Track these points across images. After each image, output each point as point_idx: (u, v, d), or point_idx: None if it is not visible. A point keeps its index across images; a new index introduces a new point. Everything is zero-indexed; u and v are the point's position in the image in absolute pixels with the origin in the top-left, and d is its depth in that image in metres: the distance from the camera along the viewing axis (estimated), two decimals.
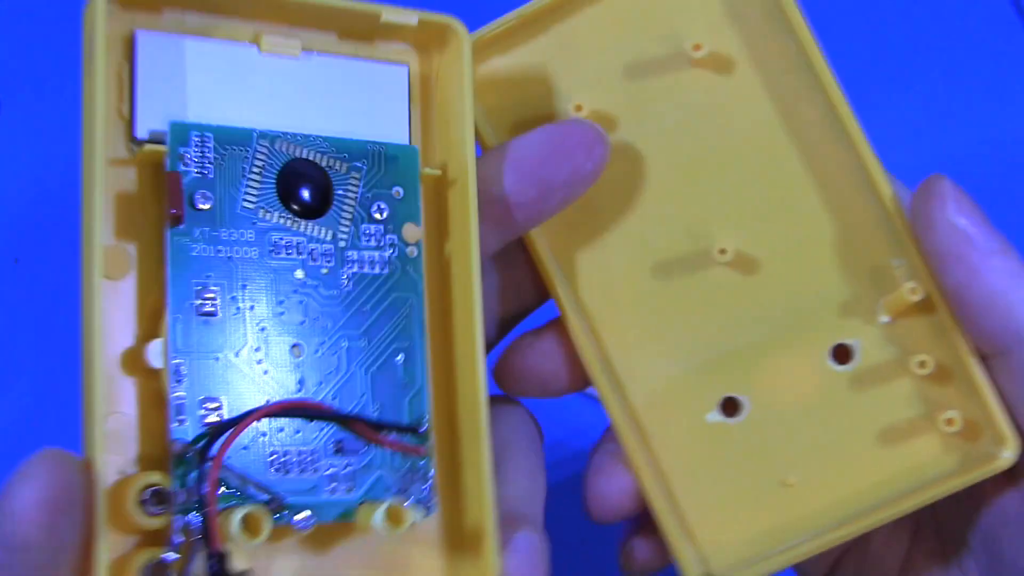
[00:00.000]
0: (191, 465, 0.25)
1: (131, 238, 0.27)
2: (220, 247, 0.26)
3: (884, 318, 0.31)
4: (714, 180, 0.32)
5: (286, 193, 0.27)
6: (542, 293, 0.32)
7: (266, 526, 0.25)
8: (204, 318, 0.26)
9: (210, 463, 0.25)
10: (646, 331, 0.32)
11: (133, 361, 0.26)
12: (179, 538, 0.25)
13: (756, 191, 0.32)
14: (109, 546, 0.24)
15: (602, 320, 0.32)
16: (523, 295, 0.33)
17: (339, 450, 0.27)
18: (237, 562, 0.25)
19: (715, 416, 0.31)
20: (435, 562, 0.29)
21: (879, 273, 0.31)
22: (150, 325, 0.26)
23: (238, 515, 0.24)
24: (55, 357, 0.46)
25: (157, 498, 0.25)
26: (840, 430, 0.31)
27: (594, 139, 0.29)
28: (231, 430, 0.25)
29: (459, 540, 0.29)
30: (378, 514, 0.26)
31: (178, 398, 0.25)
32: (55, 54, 0.49)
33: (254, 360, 0.26)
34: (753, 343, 0.31)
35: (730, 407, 0.32)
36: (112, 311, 0.26)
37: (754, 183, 0.31)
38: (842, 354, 0.31)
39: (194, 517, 0.25)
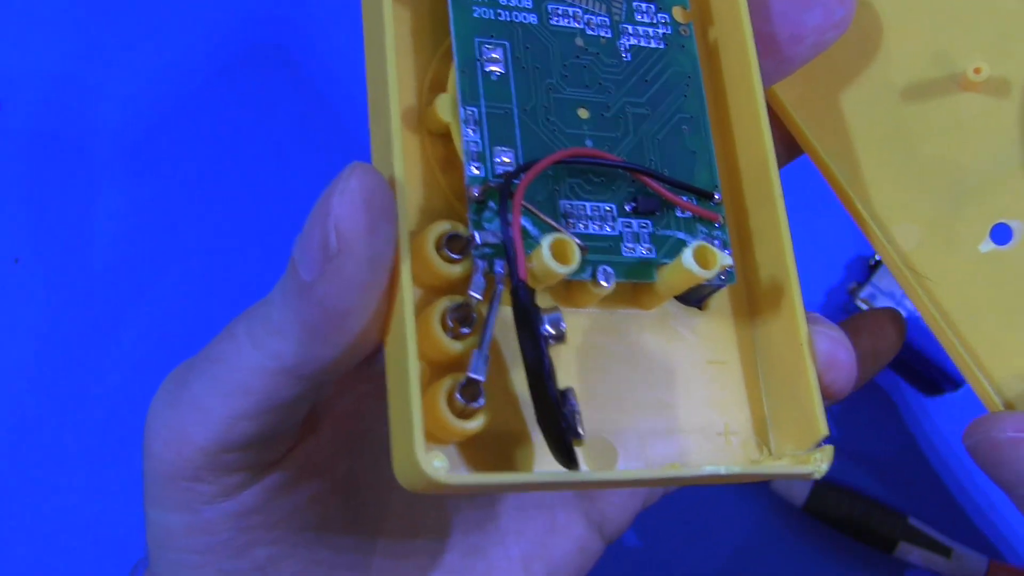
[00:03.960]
0: (488, 208, 0.24)
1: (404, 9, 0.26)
2: (500, 11, 0.26)
3: None
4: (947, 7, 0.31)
5: None
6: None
7: (576, 255, 0.23)
8: (491, 74, 0.25)
9: (511, 199, 0.24)
10: (903, 171, 0.30)
11: (419, 123, 0.25)
12: (481, 278, 0.23)
13: (996, 12, 0.30)
14: (411, 273, 0.23)
15: (857, 170, 0.30)
16: None
17: (635, 210, 0.26)
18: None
19: (988, 245, 0.30)
20: (728, 332, 0.27)
21: None
22: (431, 95, 0.26)
23: (547, 240, 0.23)
24: (56, 357, 0.46)
25: (454, 245, 0.24)
26: None
27: None
28: (530, 170, 0.24)
29: (753, 310, 0.27)
30: (687, 252, 0.24)
31: (473, 144, 0.24)
32: (55, 54, 0.50)
33: (543, 117, 0.25)
34: (1013, 166, 0.30)
35: (1001, 234, 0.30)
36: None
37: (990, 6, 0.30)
38: None
39: (498, 262, 0.23)
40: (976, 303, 0.29)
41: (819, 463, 0.25)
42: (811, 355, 0.25)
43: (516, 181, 0.24)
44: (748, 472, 0.24)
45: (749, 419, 0.26)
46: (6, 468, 0.45)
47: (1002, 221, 0.30)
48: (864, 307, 0.53)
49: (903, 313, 0.31)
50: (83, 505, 0.44)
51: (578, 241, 0.24)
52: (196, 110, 0.50)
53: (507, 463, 0.24)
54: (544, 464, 0.24)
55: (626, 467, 0.25)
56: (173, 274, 0.48)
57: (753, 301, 0.27)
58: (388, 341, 0.23)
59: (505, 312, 0.24)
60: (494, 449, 0.24)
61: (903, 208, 0.30)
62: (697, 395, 0.26)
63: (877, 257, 0.54)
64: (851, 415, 0.52)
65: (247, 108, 0.50)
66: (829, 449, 0.25)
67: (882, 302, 0.53)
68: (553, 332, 0.23)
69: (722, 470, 0.24)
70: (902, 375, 0.53)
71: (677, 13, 0.28)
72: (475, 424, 0.23)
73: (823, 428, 0.25)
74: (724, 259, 0.24)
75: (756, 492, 0.50)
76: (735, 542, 0.49)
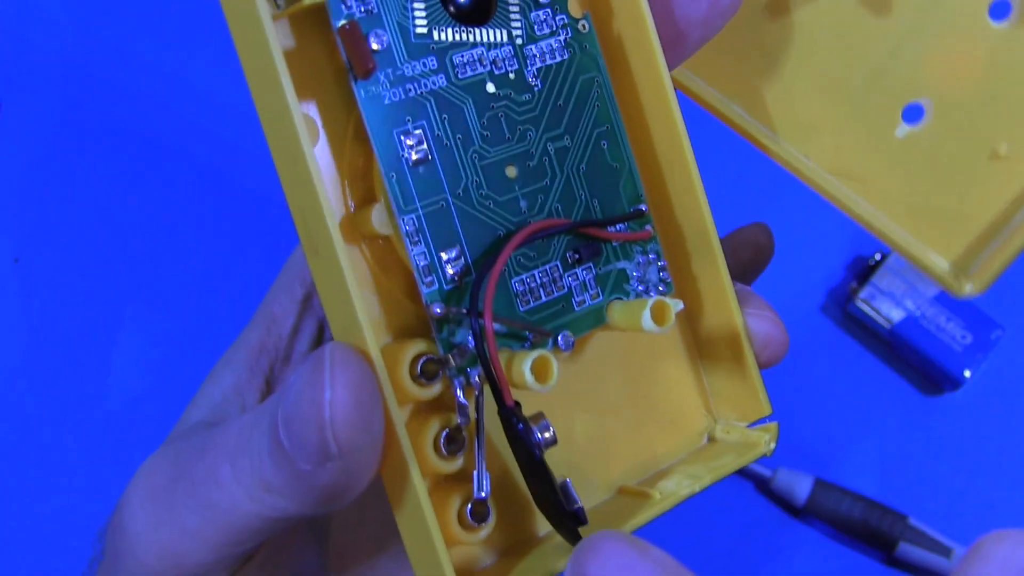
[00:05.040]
0: (454, 324, 0.24)
1: (309, 98, 0.24)
2: (409, 86, 0.24)
3: None
4: None
5: (451, 2, 0.24)
6: None
7: (554, 370, 0.24)
8: (418, 167, 0.24)
9: (480, 321, 0.23)
10: (802, 88, 0.30)
11: (351, 229, 0.24)
12: (464, 400, 0.24)
13: None
14: (406, 430, 0.23)
15: (759, 106, 0.30)
16: None
17: (577, 260, 0.26)
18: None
19: (903, 128, 0.30)
20: (681, 362, 0.28)
21: None
22: (359, 188, 0.24)
23: (527, 364, 0.23)
24: (55, 357, 0.47)
25: (429, 367, 0.24)
26: None
27: None
28: (485, 285, 0.24)
29: (690, 303, 0.28)
30: (646, 315, 0.25)
31: (420, 257, 0.23)
32: (55, 56, 0.49)
33: (477, 195, 0.24)
34: (907, 44, 0.30)
35: (913, 114, 0.30)
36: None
37: None
38: (999, 11, 0.30)
39: (472, 372, 0.24)
40: (908, 186, 0.30)
41: (768, 442, 0.27)
42: (748, 341, 0.27)
43: (479, 293, 0.24)
44: (716, 478, 0.27)
45: (700, 403, 0.29)
46: (6, 467, 0.45)
47: (909, 103, 0.30)
48: (864, 307, 0.53)
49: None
50: (82, 504, 0.45)
51: (545, 330, 0.25)
52: (197, 110, 0.49)
53: (516, 530, 0.26)
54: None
55: (604, 492, 0.27)
56: (172, 274, 0.48)
57: (688, 294, 0.28)
58: (392, 482, 0.24)
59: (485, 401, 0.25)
60: (502, 524, 0.26)
61: (813, 122, 0.30)
62: (651, 393, 0.28)
63: (877, 257, 0.55)
64: (851, 415, 0.52)
65: (249, 108, 0.46)
66: (774, 426, 0.28)
67: (882, 302, 0.53)
68: (545, 439, 0.25)
69: (697, 487, 0.27)
70: (902, 374, 0.53)
71: (572, 7, 0.26)
72: (486, 534, 0.24)
73: (767, 407, 0.28)
74: (676, 305, 0.25)
75: (756, 492, 0.50)
76: (736, 542, 0.51)
